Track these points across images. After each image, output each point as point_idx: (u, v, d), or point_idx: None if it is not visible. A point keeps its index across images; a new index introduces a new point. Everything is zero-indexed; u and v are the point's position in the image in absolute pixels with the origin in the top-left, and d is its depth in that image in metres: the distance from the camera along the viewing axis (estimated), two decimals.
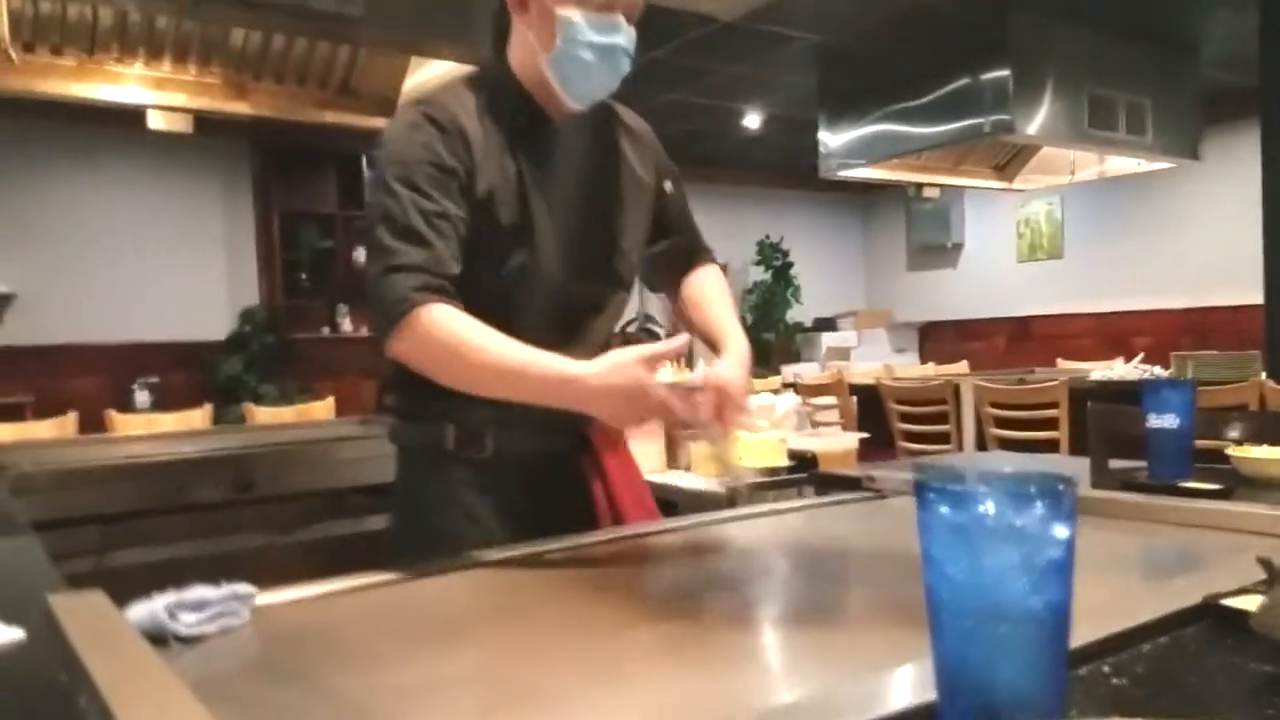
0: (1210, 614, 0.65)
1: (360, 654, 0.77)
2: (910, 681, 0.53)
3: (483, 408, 1.10)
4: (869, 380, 4.74)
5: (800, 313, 8.35)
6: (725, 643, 0.77)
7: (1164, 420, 1.34)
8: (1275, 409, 3.06)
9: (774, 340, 8.10)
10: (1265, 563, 0.61)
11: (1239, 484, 1.27)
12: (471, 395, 1.07)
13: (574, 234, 1.17)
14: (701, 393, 1.08)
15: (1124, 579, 0.98)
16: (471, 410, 1.12)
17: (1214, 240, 6.27)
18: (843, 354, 7.89)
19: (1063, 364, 5.87)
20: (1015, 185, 6.00)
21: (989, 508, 0.45)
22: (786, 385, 5.38)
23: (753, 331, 8.15)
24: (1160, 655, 0.61)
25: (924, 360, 7.64)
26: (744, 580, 1.00)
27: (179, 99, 2.79)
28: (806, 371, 6.58)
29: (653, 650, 0.76)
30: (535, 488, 1.18)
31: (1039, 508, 0.45)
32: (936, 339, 8.43)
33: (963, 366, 6.18)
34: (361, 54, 2.90)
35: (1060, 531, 0.45)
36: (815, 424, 5.54)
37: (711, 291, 1.32)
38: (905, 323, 8.52)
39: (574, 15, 1.09)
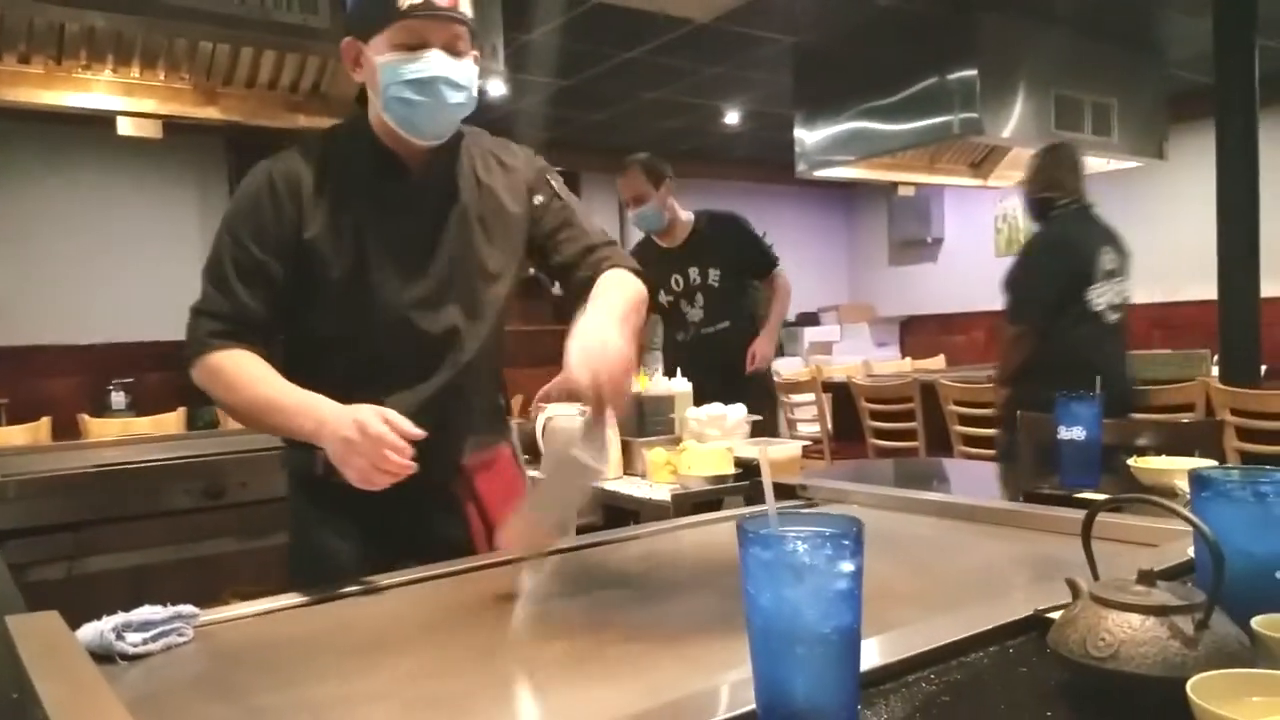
0: (1037, 626, 0.73)
1: (291, 670, 0.85)
2: (744, 692, 0.60)
3: None
4: (845, 377, 4.83)
5: None
6: (621, 655, 0.85)
7: (1073, 432, 1.42)
8: (1220, 409, 3.15)
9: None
10: (1071, 583, 0.68)
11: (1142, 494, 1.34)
12: None
13: (423, 271, 1.21)
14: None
15: (988, 588, 1.06)
16: None
17: (1182, 236, 6.36)
18: (825, 349, 7.97)
19: None
20: (990, 182, 6.08)
21: (786, 548, 0.53)
22: None
23: None
24: (983, 665, 0.69)
25: (905, 354, 7.73)
26: (652, 594, 1.07)
27: (148, 105, 2.81)
28: (788, 367, 6.65)
29: (557, 663, 0.83)
30: (406, 514, 1.20)
31: (828, 548, 0.53)
32: (918, 333, 8.53)
33: (939, 361, 6.27)
34: (330, 61, 2.94)
35: (846, 567, 0.53)
36: (791, 423, 5.58)
37: (601, 289, 1.22)
38: (887, 317, 8.62)
39: (387, 59, 1.16)
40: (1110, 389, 2.79)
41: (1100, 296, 2.68)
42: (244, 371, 1.15)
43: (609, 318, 1.11)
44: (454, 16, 1.16)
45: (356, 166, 1.22)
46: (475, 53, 1.21)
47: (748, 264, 3.17)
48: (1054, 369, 2.56)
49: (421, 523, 1.23)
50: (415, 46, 1.15)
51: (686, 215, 3.14)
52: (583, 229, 1.32)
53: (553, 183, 1.34)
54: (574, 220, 1.33)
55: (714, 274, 3.05)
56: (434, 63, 1.15)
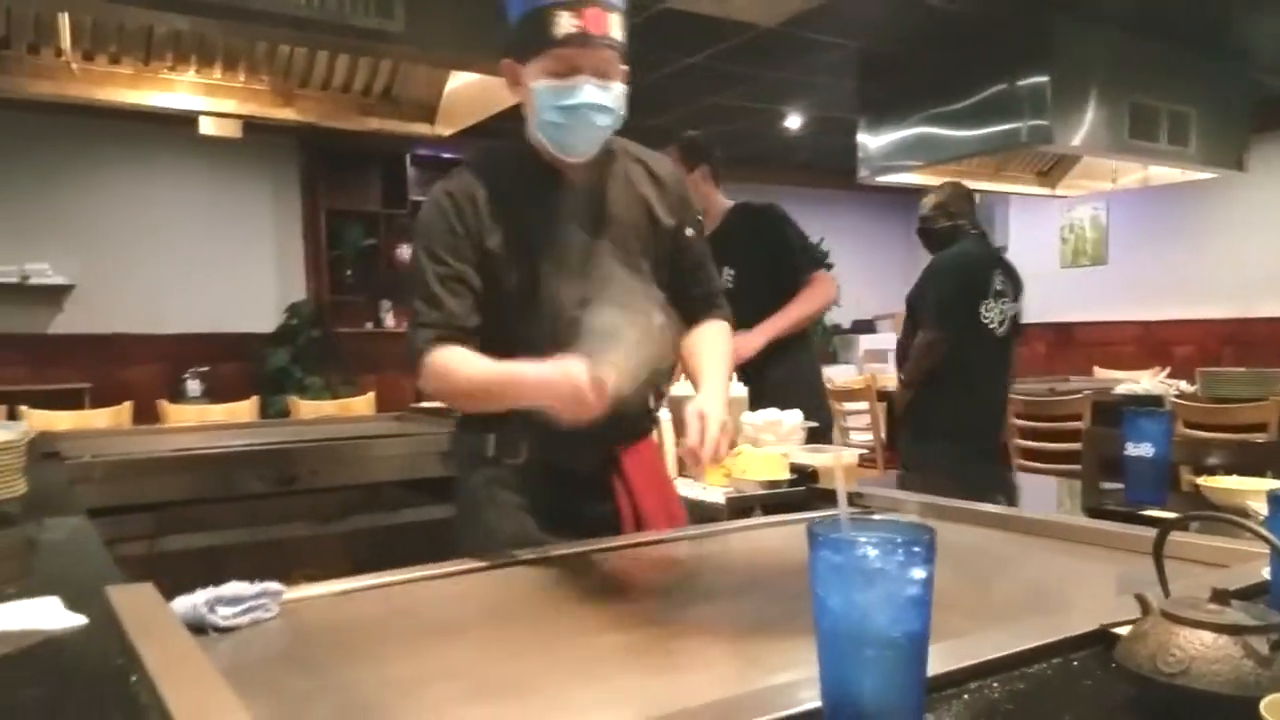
0: (1103, 640, 0.73)
1: (369, 648, 0.89)
2: (807, 690, 0.62)
3: (518, 420, 1.28)
4: None
5: (839, 314, 8.32)
6: (682, 649, 0.87)
7: (1140, 449, 1.40)
8: None
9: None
10: (1140, 599, 0.68)
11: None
12: (508, 410, 1.28)
13: (586, 273, 1.31)
14: (690, 420, 1.21)
15: (1051, 601, 1.05)
16: (509, 422, 1.31)
17: (1260, 250, 6.13)
18: (880, 357, 7.85)
19: (1100, 373, 5.80)
20: (1058, 192, 5.94)
21: (858, 552, 0.55)
22: None
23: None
24: (1047, 677, 0.69)
25: None
26: (713, 592, 1.10)
27: (229, 105, 2.95)
28: (840, 375, 6.59)
29: (620, 653, 0.86)
30: (564, 492, 1.34)
31: (899, 554, 0.54)
32: None
33: None
34: (402, 65, 3.03)
35: (917, 574, 0.54)
36: (845, 430, 5.53)
37: (709, 342, 1.43)
38: None
39: (541, 85, 1.24)
40: (993, 398, 3.09)
41: (989, 312, 3.06)
42: (457, 364, 1.25)
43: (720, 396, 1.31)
44: (606, 43, 1.22)
45: (520, 179, 1.33)
46: (625, 70, 1.28)
47: (778, 264, 2.62)
48: (947, 375, 3.02)
49: (576, 503, 1.34)
50: (567, 74, 1.22)
51: (724, 204, 2.71)
52: (711, 273, 1.50)
53: (699, 220, 1.48)
54: (707, 263, 1.49)
55: (728, 273, 2.52)
56: (584, 91, 1.23)
